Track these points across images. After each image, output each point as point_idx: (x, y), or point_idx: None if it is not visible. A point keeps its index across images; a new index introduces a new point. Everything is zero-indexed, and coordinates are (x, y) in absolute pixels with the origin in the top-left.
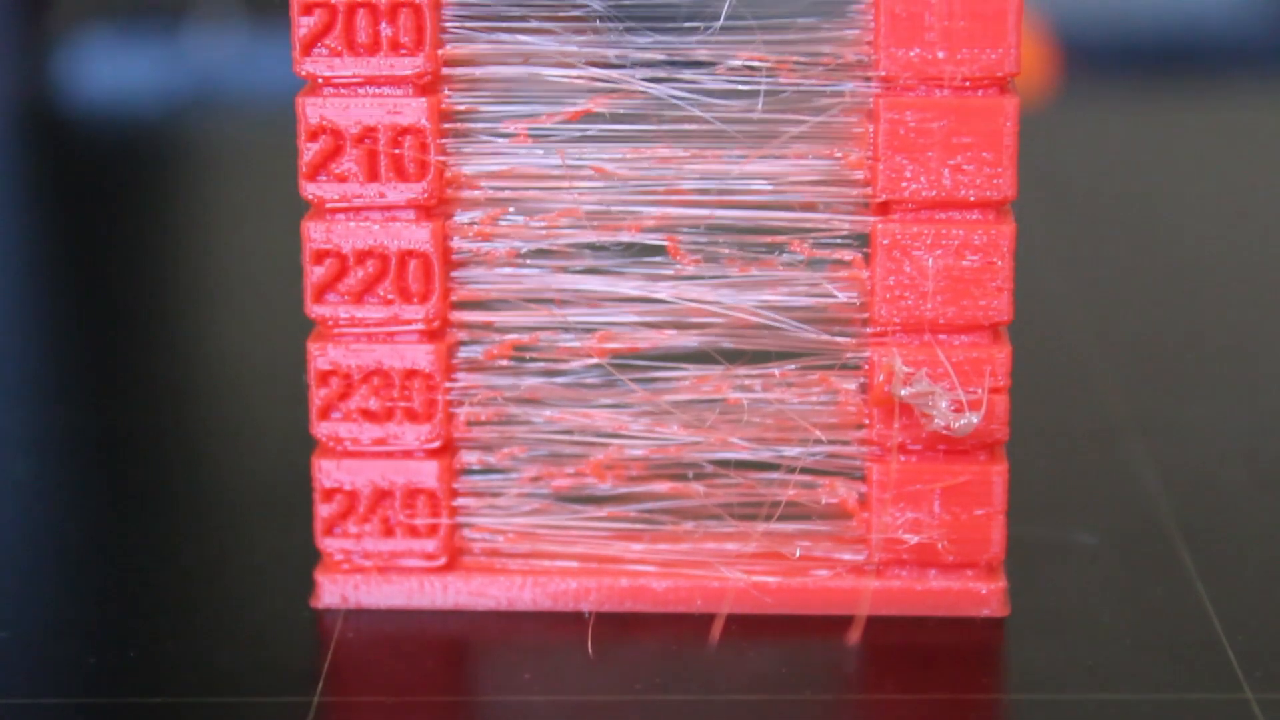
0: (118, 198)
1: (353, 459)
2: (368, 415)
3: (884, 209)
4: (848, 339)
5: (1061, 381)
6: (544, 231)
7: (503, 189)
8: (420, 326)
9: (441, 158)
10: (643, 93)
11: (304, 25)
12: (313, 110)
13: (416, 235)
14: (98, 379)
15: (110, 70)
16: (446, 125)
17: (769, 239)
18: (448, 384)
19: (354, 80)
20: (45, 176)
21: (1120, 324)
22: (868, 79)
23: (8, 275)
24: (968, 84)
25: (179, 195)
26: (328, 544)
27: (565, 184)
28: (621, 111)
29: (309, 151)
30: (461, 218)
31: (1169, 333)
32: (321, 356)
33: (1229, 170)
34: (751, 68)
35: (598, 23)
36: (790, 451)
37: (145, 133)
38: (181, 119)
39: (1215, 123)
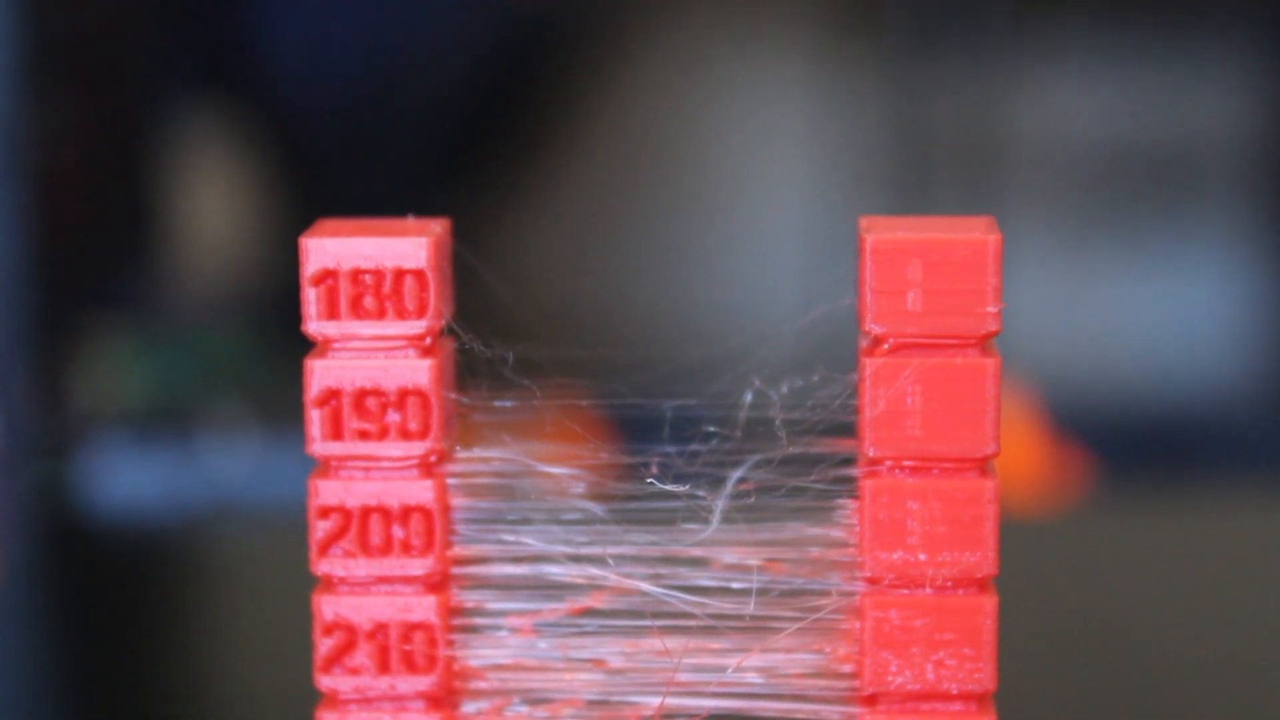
0: (130, 612)
1: None
2: None
3: (871, 701)
4: None
5: None
6: None
7: (508, 680)
8: None
9: (449, 652)
10: (639, 590)
11: (320, 529)
12: (328, 608)
13: None
14: None
15: (125, 477)
16: (454, 621)
17: None
18: None
19: (367, 580)
20: (58, 587)
21: None
22: (854, 578)
23: (15, 692)
24: (949, 584)
25: (193, 610)
26: None
27: (568, 675)
28: (620, 607)
29: (324, 646)
30: (468, 708)
31: None
32: None
33: (1231, 580)
34: (743, 565)
35: (597, 525)
36: None
37: (160, 542)
38: (196, 528)
39: (1217, 523)
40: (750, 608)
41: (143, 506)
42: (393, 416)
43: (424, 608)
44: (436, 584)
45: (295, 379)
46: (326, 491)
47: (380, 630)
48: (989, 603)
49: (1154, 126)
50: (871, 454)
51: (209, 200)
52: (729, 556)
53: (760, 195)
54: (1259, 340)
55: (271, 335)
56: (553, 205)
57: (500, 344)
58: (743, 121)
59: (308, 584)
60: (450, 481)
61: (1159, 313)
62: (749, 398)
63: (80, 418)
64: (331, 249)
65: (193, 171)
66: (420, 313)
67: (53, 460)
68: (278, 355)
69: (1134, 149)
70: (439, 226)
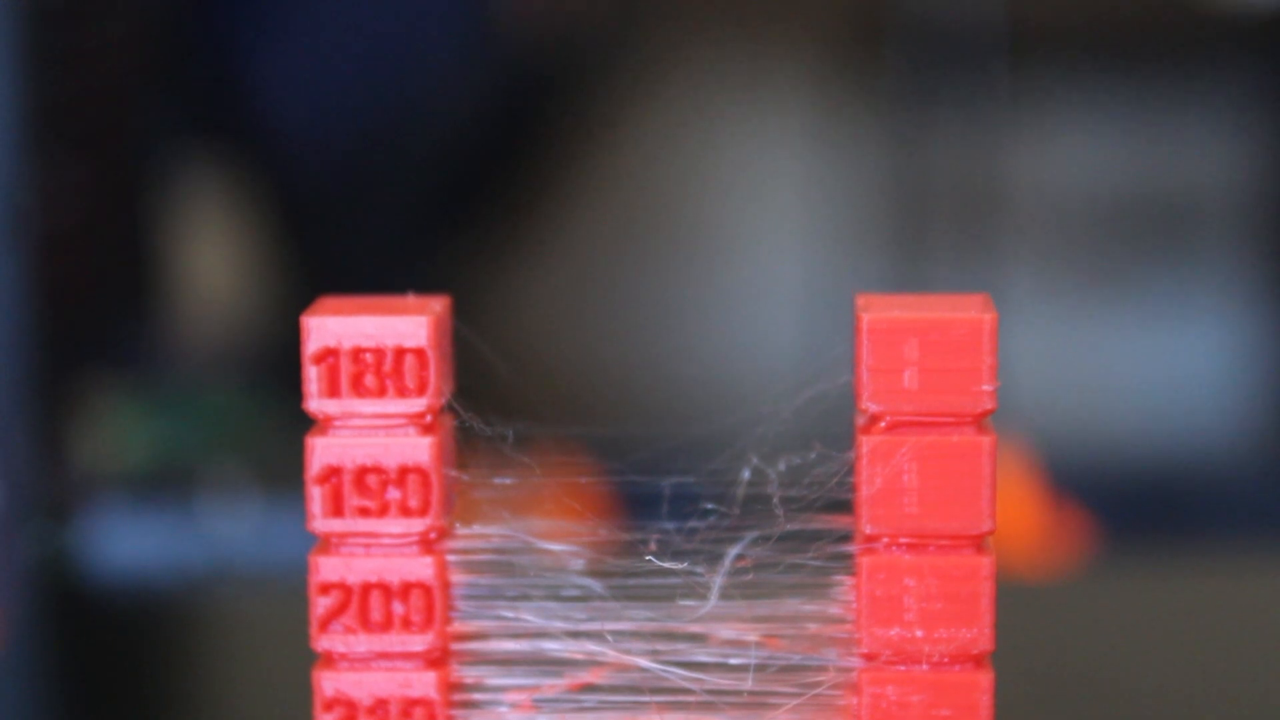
0: (131, 676)
1: None
2: None
3: None
4: None
5: None
6: None
7: None
8: None
9: None
10: (638, 666)
11: (321, 605)
12: (329, 684)
13: None
14: None
15: (125, 539)
16: (454, 696)
17: None
18: None
19: (367, 655)
20: (59, 649)
21: None
22: (851, 654)
23: None
24: (945, 660)
25: (192, 676)
26: None
27: None
28: (619, 683)
29: None
30: None
31: None
32: None
33: (1239, 644)
34: (741, 641)
35: (596, 601)
36: None
37: (160, 605)
38: (196, 591)
39: (1224, 585)
40: (748, 683)
41: (143, 569)
42: (393, 494)
43: (424, 683)
44: (436, 660)
45: (297, 440)
46: (327, 568)
47: (380, 706)
48: (985, 679)
49: (1151, 178)
50: (868, 531)
51: (210, 260)
52: (727, 632)
53: (758, 248)
54: (1263, 394)
55: (273, 395)
56: (550, 257)
57: (500, 421)
58: (741, 175)
59: (308, 649)
60: (450, 558)
61: (1158, 367)
62: (747, 475)
63: (81, 479)
64: (333, 327)
65: (194, 231)
66: (420, 391)
67: (53, 521)
68: (280, 415)
69: (1131, 201)
70: (439, 305)
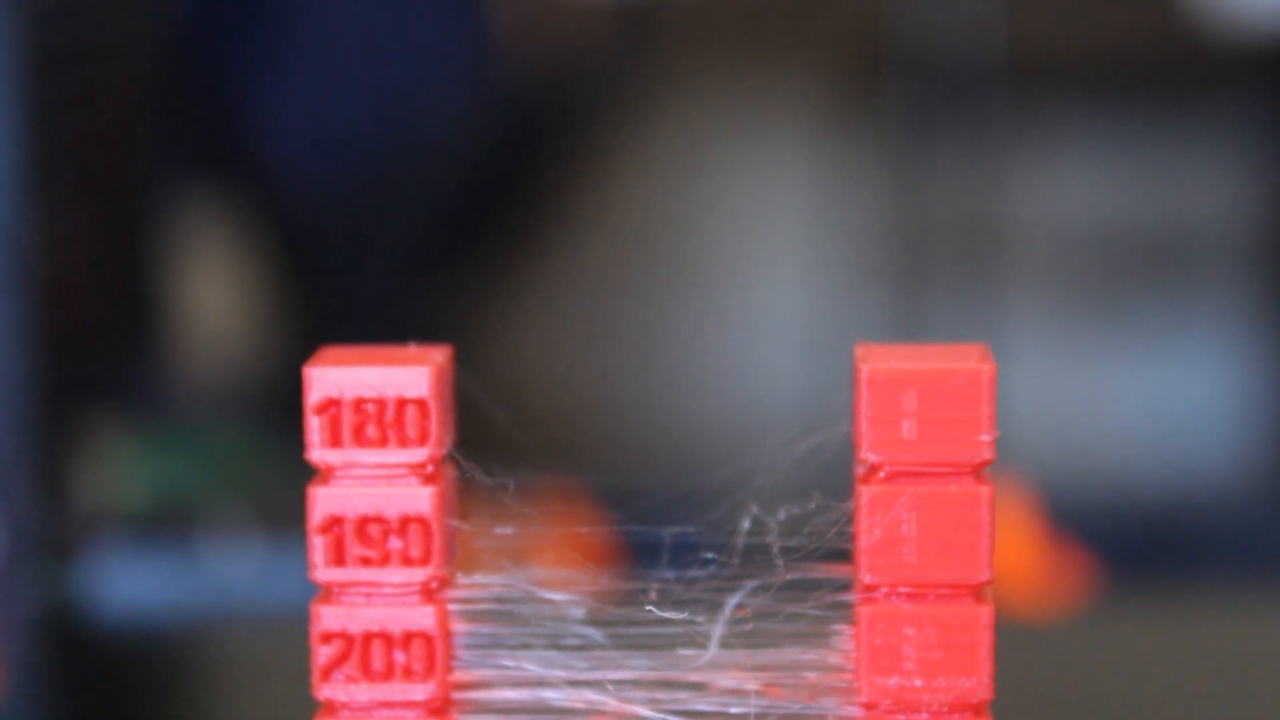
0: (132, 718)
1: None
2: None
3: None
4: None
5: None
6: None
7: None
8: None
9: None
10: (638, 715)
11: (323, 654)
12: None
13: None
14: None
15: (127, 579)
16: None
17: None
18: None
19: (369, 705)
20: (61, 692)
21: None
22: (851, 703)
23: None
24: (945, 709)
25: (193, 718)
26: None
27: None
28: None
29: None
30: None
31: None
32: None
33: (1246, 689)
34: (741, 690)
35: (596, 650)
36: None
37: (163, 647)
38: (199, 632)
39: (1230, 627)
40: None
41: (144, 609)
42: (395, 543)
43: None
44: (438, 709)
45: (299, 480)
46: (329, 617)
47: None
48: None
49: (1153, 213)
50: (867, 580)
51: (213, 299)
52: (727, 681)
53: (759, 286)
54: (1267, 431)
55: (276, 434)
56: (550, 297)
57: (501, 470)
58: (741, 211)
59: (310, 693)
60: (451, 607)
61: (1161, 404)
62: (746, 524)
63: (82, 519)
64: (334, 378)
65: (196, 270)
66: (422, 441)
67: (56, 562)
68: (282, 454)
69: (1133, 236)
70: (440, 354)
